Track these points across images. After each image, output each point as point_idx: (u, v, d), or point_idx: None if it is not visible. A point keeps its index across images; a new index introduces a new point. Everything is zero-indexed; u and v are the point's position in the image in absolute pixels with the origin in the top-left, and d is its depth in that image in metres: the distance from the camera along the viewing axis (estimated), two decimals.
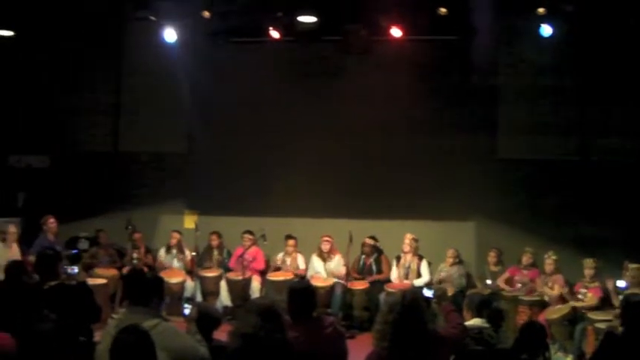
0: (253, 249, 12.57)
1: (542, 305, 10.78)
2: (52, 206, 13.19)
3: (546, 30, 11.73)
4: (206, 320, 5.87)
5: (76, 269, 8.97)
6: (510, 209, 12.64)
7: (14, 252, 11.45)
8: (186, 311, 5.89)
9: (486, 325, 6.94)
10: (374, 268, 12.46)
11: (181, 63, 13.19)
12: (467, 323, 6.76)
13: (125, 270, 12.33)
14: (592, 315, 9.87)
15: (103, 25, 13.67)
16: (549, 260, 11.10)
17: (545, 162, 12.76)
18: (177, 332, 5.38)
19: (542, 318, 10.01)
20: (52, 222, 12.18)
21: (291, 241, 12.65)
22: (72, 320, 6.41)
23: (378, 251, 12.55)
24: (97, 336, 6.71)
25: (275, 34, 12.50)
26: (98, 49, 14.14)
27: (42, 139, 14.44)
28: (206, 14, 12.14)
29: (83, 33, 13.51)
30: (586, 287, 10.56)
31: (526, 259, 11.61)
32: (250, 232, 12.65)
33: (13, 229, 11.60)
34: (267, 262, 12.99)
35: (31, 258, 11.34)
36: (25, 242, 12.51)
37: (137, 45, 13.64)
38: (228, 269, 12.80)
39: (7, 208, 13.42)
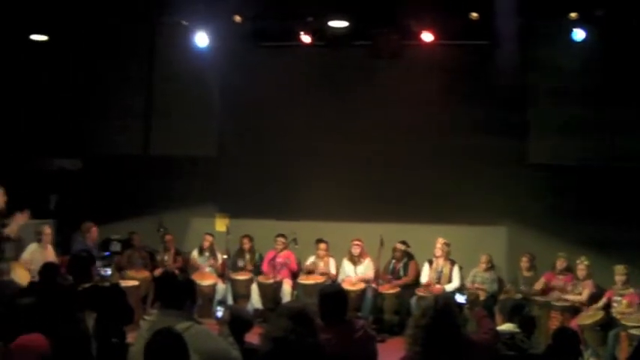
0: (285, 252, 12.61)
1: (575, 311, 10.70)
2: (84, 209, 13.30)
3: (579, 34, 11.67)
4: (238, 323, 5.89)
5: (109, 271, 8.98)
6: (541, 214, 12.53)
7: (50, 253, 11.55)
8: (219, 314, 5.91)
9: (518, 330, 6.92)
10: (402, 272, 12.45)
11: (212, 67, 13.26)
12: (498, 328, 6.75)
13: (157, 272, 12.43)
14: (625, 321, 9.79)
15: (135, 29, 13.77)
16: (581, 266, 11.05)
17: (576, 166, 12.64)
18: (210, 335, 5.40)
19: (574, 324, 9.94)
20: (93, 230, 12.29)
21: (322, 245, 12.66)
22: (105, 322, 6.48)
23: (408, 256, 12.52)
24: (130, 337, 6.78)
25: (306, 38, 12.55)
26: (130, 53, 14.24)
27: (74, 142, 14.54)
28: (237, 19, 12.22)
29: (115, 37, 13.60)
30: (620, 295, 10.48)
31: (560, 264, 11.52)
32: (283, 236, 12.69)
33: (48, 230, 11.68)
34: (299, 265, 13.02)
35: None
36: (57, 244, 12.63)
37: (169, 49, 13.70)
38: (259, 272, 12.84)
39: (40, 210, 13.51)
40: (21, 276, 10.29)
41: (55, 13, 12.05)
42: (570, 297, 10.94)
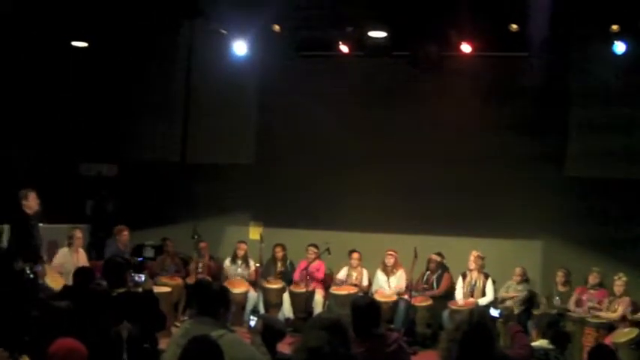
0: (317, 262, 12.58)
1: (610, 327, 10.56)
2: (119, 214, 13.38)
3: (620, 48, 11.54)
4: (271, 333, 5.89)
5: (143, 277, 9.01)
6: (578, 229, 12.37)
7: (81, 257, 11.64)
8: (252, 323, 5.90)
9: (551, 346, 6.83)
10: (435, 284, 12.38)
11: (250, 76, 13.35)
12: (533, 344, 6.68)
13: (189, 279, 12.47)
14: None
15: (175, 37, 13.86)
16: (619, 282, 10.89)
17: (614, 181, 12.47)
18: (243, 343, 5.40)
19: (608, 341, 9.82)
20: (125, 234, 12.37)
21: (355, 255, 12.61)
22: (138, 327, 6.50)
23: (442, 268, 12.46)
24: (162, 344, 6.79)
25: (345, 48, 12.55)
26: (169, 61, 14.35)
27: (111, 148, 14.66)
28: (276, 28, 12.25)
29: (154, 44, 13.70)
30: None
31: (592, 279, 11.40)
32: (315, 246, 12.66)
33: (79, 234, 11.77)
34: (330, 276, 12.97)
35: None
36: (91, 249, 12.73)
37: (207, 57, 13.76)
38: (290, 281, 12.83)
39: (76, 215, 13.63)
40: (53, 280, 10.39)
41: (95, 20, 12.14)
42: (603, 314, 10.80)
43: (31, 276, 9.88)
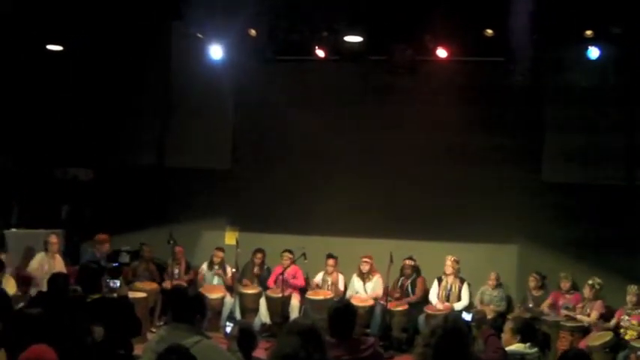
0: (292, 267, 12.57)
1: (584, 331, 10.65)
2: (95, 219, 13.31)
3: (593, 53, 11.61)
4: (246, 339, 5.89)
5: (118, 283, 8.99)
6: (553, 233, 12.44)
7: (58, 263, 11.58)
8: (228, 330, 5.91)
9: (529, 350, 6.84)
10: (409, 290, 12.41)
11: (227, 80, 13.32)
12: (508, 349, 6.70)
13: (165, 284, 12.42)
14: (635, 342, 9.74)
15: (151, 41, 13.81)
16: (591, 286, 10.96)
17: (590, 186, 12.53)
18: (218, 350, 5.40)
19: (583, 344, 9.91)
20: (106, 246, 12.36)
21: (331, 261, 12.61)
22: (113, 333, 6.47)
23: (416, 272, 12.50)
24: (137, 349, 6.77)
25: (321, 53, 12.55)
26: (145, 65, 14.28)
27: (87, 152, 14.56)
28: (252, 32, 12.24)
29: (130, 49, 13.63)
30: (629, 314, 10.43)
31: (564, 285, 11.55)
32: (290, 251, 12.67)
33: (54, 240, 11.71)
34: (307, 280, 12.98)
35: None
36: (67, 254, 12.65)
37: (184, 62, 13.75)
38: (266, 287, 12.81)
39: (51, 219, 13.54)
40: (8, 285, 10.34)
41: (70, 24, 12.08)
42: (579, 317, 10.87)
43: None
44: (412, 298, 12.29)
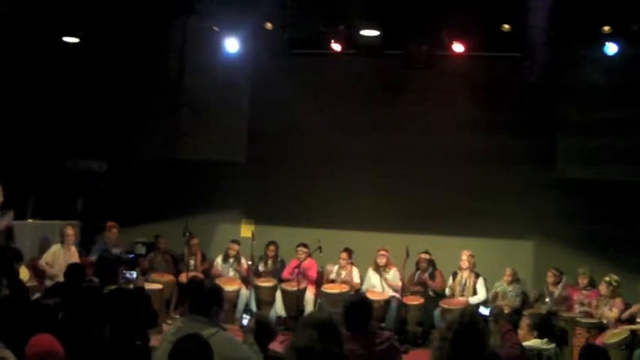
0: (308, 261, 12.57)
1: (601, 328, 10.57)
2: (110, 211, 13.35)
3: (611, 49, 11.54)
4: (263, 331, 5.89)
5: (134, 274, 9.04)
6: (570, 229, 12.41)
7: (73, 254, 11.62)
8: (244, 322, 5.91)
9: (545, 346, 6.84)
10: (428, 283, 12.39)
11: (243, 73, 13.34)
12: (525, 344, 6.68)
13: (181, 276, 12.44)
14: None
15: (166, 33, 13.83)
16: (606, 283, 10.88)
17: (606, 183, 12.47)
18: (235, 342, 5.40)
19: (599, 341, 9.83)
20: (114, 231, 12.36)
21: (344, 254, 12.57)
22: (129, 324, 6.49)
23: (433, 266, 12.47)
24: (153, 340, 6.79)
25: (337, 46, 12.53)
26: (161, 57, 14.29)
27: (102, 144, 14.59)
28: (268, 26, 12.24)
29: (146, 41, 13.63)
30: None
31: (582, 280, 11.45)
32: (305, 245, 12.65)
33: (70, 231, 11.73)
34: (321, 274, 12.98)
35: (92, 259, 11.58)
36: (82, 246, 12.70)
37: (199, 54, 13.73)
38: (281, 279, 12.83)
39: (67, 211, 13.59)
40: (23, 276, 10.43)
41: (87, 16, 12.10)
42: (599, 312, 10.77)
43: None
44: (435, 285, 12.28)
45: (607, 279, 10.90)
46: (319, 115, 13.52)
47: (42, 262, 11.31)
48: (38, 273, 11.25)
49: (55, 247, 11.58)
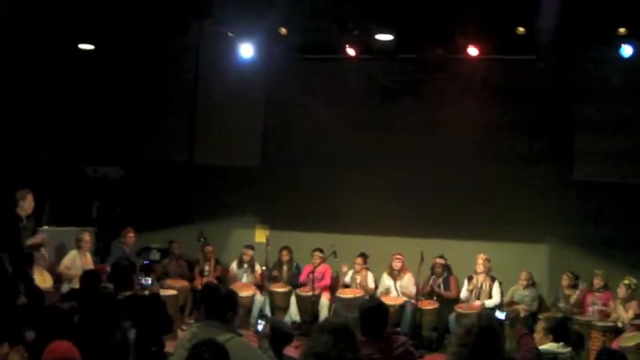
0: (322, 266, 12.55)
1: (617, 331, 10.51)
2: (125, 217, 13.38)
3: (627, 51, 11.49)
4: (278, 336, 5.88)
5: (149, 280, 9.04)
6: (585, 233, 12.37)
7: (88, 260, 11.65)
8: (260, 327, 5.90)
9: (562, 350, 6.80)
10: (442, 288, 12.34)
11: (257, 78, 13.36)
12: (541, 348, 6.65)
13: (196, 282, 12.45)
14: None
15: (181, 39, 13.84)
16: (625, 286, 10.81)
17: (621, 185, 12.43)
18: (250, 347, 5.41)
19: (615, 345, 9.78)
20: (131, 236, 12.37)
21: (359, 259, 12.55)
22: (145, 330, 6.51)
23: (447, 270, 12.43)
24: (168, 347, 6.80)
25: (351, 51, 12.53)
26: (176, 63, 14.31)
27: (117, 150, 14.64)
28: (283, 31, 12.24)
29: (161, 47, 13.67)
30: None
31: (597, 282, 11.39)
32: (320, 250, 12.64)
33: (87, 237, 11.76)
34: (336, 279, 12.97)
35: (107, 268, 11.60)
36: (97, 252, 12.73)
37: (214, 59, 13.74)
38: (296, 285, 12.81)
39: (83, 217, 13.63)
40: (41, 280, 10.47)
41: (102, 23, 12.13)
42: (622, 314, 10.70)
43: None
44: (450, 294, 12.23)
45: (626, 281, 10.85)
46: (334, 120, 13.52)
47: (61, 267, 11.35)
48: (57, 278, 11.29)
49: (72, 253, 11.60)
